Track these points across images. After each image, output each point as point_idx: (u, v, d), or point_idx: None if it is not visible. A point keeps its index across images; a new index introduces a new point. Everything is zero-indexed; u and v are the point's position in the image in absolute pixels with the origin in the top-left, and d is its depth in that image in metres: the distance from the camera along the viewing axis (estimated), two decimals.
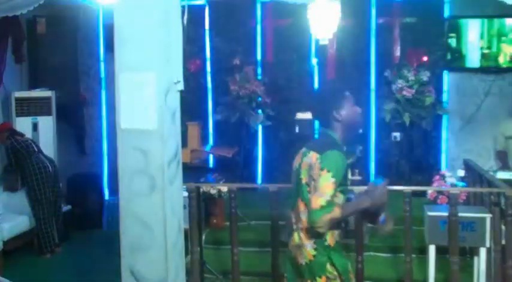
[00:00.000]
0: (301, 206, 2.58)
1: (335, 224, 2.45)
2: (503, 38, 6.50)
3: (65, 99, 6.71)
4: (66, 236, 5.97)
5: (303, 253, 2.57)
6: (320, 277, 2.53)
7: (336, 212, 2.37)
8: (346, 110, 2.62)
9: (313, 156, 2.53)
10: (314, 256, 2.54)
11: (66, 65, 7.11)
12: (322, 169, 2.44)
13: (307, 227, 2.53)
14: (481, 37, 6.57)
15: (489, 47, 6.57)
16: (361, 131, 2.68)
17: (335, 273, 2.53)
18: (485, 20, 6.54)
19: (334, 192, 2.40)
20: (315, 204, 2.37)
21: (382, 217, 2.56)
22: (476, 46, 6.60)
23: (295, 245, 2.60)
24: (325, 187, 2.39)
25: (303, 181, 2.57)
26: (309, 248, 2.55)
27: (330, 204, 2.37)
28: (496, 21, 6.52)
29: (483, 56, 6.59)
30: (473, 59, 6.64)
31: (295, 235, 2.61)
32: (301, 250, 2.57)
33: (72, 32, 7.15)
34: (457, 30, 6.63)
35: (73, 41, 7.20)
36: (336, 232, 2.58)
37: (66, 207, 6.22)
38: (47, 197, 5.57)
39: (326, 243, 2.54)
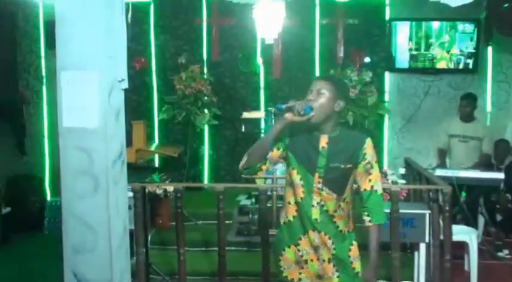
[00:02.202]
0: None
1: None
2: (431, 40, 6.74)
3: (3, 97, 6.46)
4: (6, 239, 5.78)
5: None
6: None
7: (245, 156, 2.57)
8: None
9: None
10: None
11: (4, 62, 6.85)
12: None
13: None
14: (410, 39, 6.79)
15: (417, 49, 6.79)
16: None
17: None
18: (413, 23, 6.76)
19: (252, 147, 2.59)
20: None
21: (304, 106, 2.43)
22: (405, 48, 6.80)
23: None
24: None
25: None
26: None
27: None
28: (424, 23, 6.75)
29: (411, 57, 6.81)
30: (402, 61, 6.85)
31: None
32: None
33: (11, 27, 6.90)
34: (389, 32, 6.81)
35: (12, 37, 6.94)
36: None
37: (5, 209, 6.00)
38: None
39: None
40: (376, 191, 2.56)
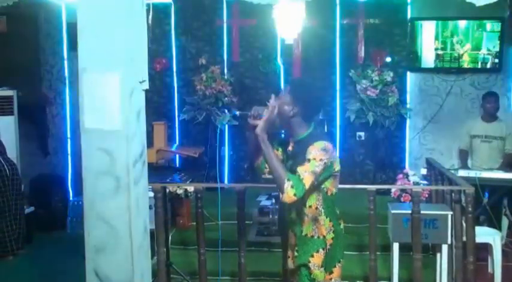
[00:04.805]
0: None
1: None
2: (456, 39, 6.64)
3: (27, 99, 6.55)
4: (29, 238, 5.85)
5: None
6: None
7: None
8: None
9: None
10: None
11: (28, 64, 6.94)
12: None
13: None
14: (436, 38, 6.70)
15: (443, 48, 6.70)
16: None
17: None
18: (440, 22, 6.66)
19: None
20: None
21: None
22: (431, 47, 6.71)
23: None
24: None
25: None
26: None
27: None
28: (450, 23, 6.65)
29: (437, 56, 6.73)
30: (428, 60, 6.76)
31: None
32: None
33: (34, 30, 6.99)
34: (413, 31, 6.74)
35: (35, 39, 7.04)
36: None
37: (29, 209, 6.08)
38: (4, 200, 5.45)
39: None
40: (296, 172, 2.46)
